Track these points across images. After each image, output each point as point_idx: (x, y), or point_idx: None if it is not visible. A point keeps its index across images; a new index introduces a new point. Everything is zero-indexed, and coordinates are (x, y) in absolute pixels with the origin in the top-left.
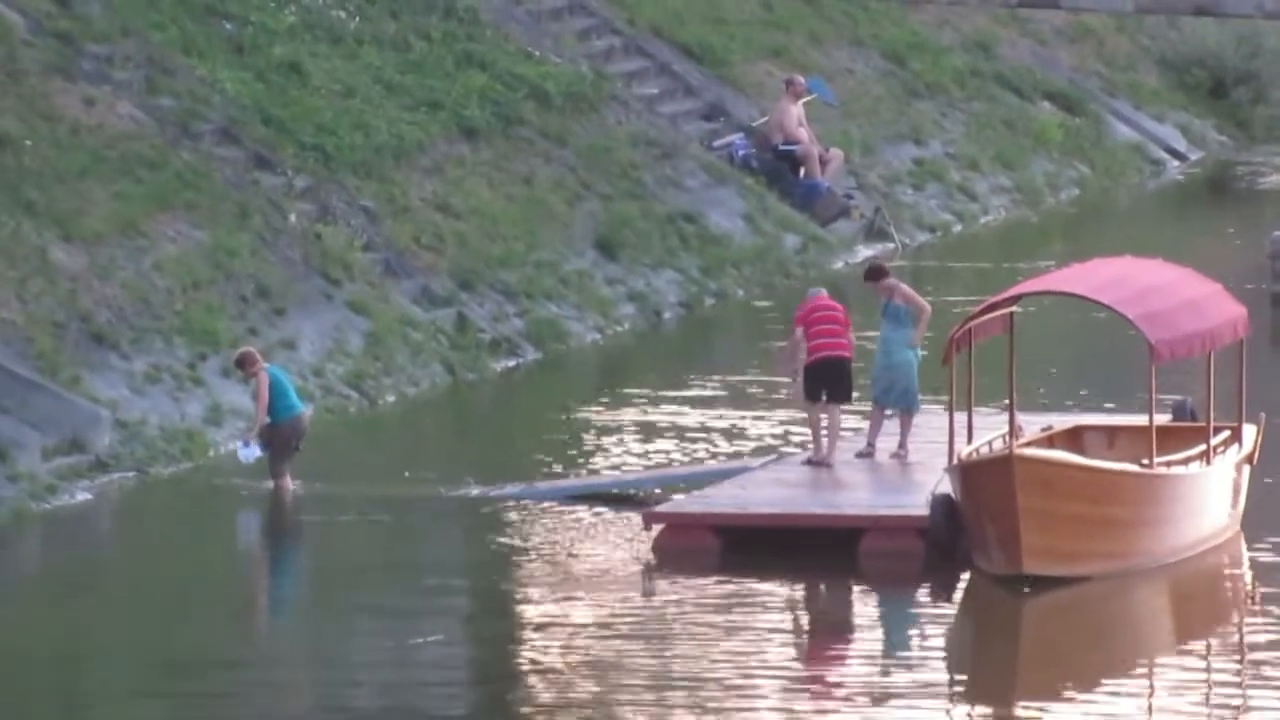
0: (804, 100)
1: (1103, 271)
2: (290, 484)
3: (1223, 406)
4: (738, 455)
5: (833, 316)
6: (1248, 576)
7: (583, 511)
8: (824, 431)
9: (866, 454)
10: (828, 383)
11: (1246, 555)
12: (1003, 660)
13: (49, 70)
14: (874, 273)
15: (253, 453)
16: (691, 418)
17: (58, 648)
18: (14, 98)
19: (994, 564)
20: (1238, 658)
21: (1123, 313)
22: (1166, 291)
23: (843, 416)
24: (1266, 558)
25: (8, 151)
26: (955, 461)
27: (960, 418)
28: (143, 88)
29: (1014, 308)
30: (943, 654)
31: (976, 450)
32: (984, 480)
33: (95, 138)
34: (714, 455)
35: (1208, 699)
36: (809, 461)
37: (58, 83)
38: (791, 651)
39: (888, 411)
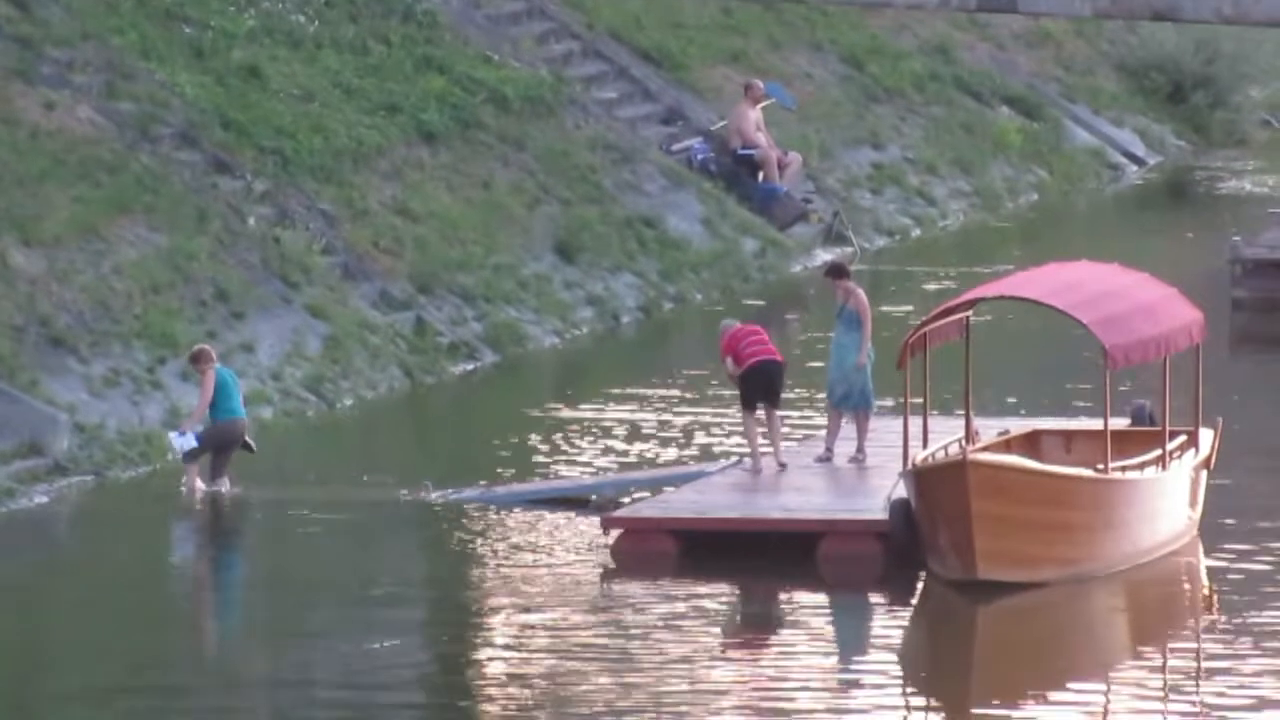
0: (762, 104)
1: (1058, 276)
2: (227, 486)
3: (1184, 411)
4: (696, 459)
5: (757, 334)
6: (1205, 581)
7: (541, 516)
8: (763, 442)
9: (825, 459)
10: (762, 389)
11: (1204, 559)
12: (958, 665)
13: (8, 74)
14: (836, 270)
15: (187, 442)
16: (649, 422)
17: (9, 653)
18: None
19: (949, 569)
20: (1194, 662)
21: (1077, 317)
22: (1121, 296)
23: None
24: (1224, 562)
25: None
26: (909, 466)
27: (915, 422)
28: (102, 91)
29: (969, 312)
30: (898, 658)
31: (931, 455)
32: (938, 485)
33: (55, 141)
34: (673, 460)
35: (1164, 702)
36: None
37: (17, 86)
38: (748, 655)
39: (844, 419)
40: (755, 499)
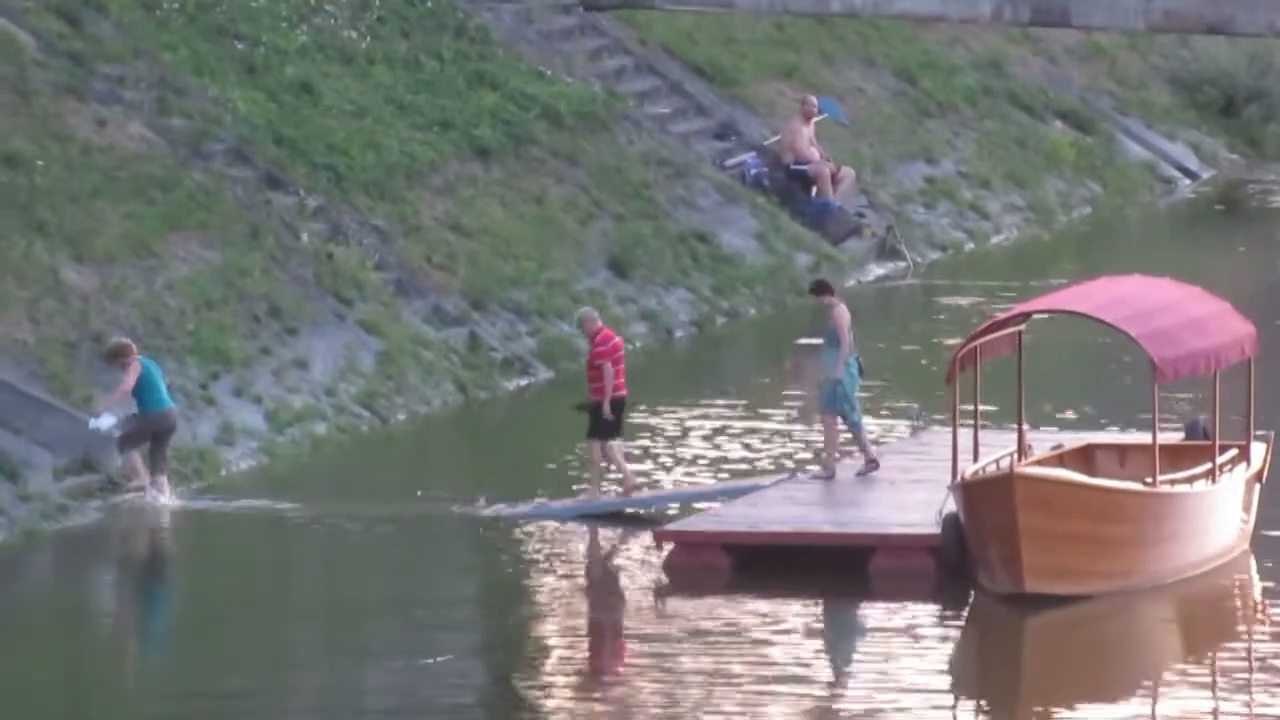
0: (816, 120)
1: (1108, 290)
2: (144, 480)
3: (1238, 425)
4: (749, 473)
5: (622, 354)
6: (1257, 594)
7: (594, 530)
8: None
9: (868, 469)
10: (618, 422)
11: (1256, 573)
12: (1007, 678)
13: (61, 90)
14: (820, 287)
15: (104, 423)
16: (702, 436)
17: (63, 673)
18: (26, 118)
19: (997, 583)
20: (1245, 676)
21: (1126, 331)
22: (1171, 310)
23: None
24: (1275, 576)
25: (20, 172)
26: (957, 480)
27: (966, 436)
28: (154, 108)
29: (1021, 327)
30: (948, 672)
31: (981, 469)
32: (985, 499)
33: (107, 158)
34: (725, 474)
35: (1214, 716)
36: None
37: (70, 103)
38: (800, 669)
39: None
40: (808, 513)
